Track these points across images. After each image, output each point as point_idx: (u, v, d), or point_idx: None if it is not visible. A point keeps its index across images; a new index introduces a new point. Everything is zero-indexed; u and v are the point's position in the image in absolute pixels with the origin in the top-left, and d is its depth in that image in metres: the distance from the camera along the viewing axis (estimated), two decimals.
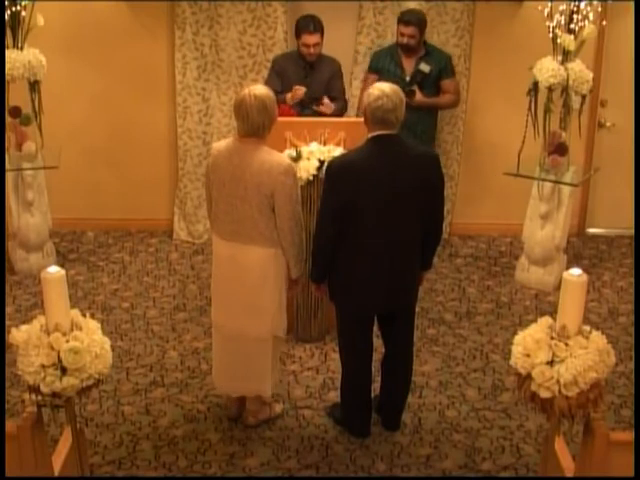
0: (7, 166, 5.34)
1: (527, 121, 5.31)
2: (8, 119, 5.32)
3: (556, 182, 5.45)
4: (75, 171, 6.17)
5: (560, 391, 2.97)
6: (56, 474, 3.16)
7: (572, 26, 5.19)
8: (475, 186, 6.39)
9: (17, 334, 3.06)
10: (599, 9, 5.30)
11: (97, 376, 3.06)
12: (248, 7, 5.91)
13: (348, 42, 6.01)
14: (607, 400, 4.33)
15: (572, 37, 5.17)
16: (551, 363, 2.98)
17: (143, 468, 3.88)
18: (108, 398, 4.36)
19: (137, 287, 5.63)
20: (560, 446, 3.33)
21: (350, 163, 3.69)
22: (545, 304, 5.45)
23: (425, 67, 5.60)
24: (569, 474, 3.19)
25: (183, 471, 3.87)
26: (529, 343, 3.03)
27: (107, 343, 3.13)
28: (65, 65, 5.96)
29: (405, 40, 5.55)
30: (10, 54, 5.14)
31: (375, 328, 4.03)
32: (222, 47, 6.01)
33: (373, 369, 4.09)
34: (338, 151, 4.52)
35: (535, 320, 3.16)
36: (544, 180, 5.46)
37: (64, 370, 2.99)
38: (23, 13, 5.14)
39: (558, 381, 2.96)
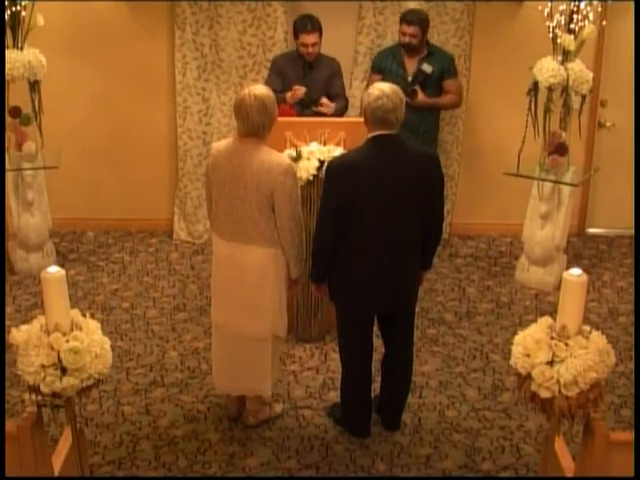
0: (7, 166, 5.34)
1: (527, 121, 5.32)
2: (8, 119, 5.32)
3: (556, 182, 5.45)
4: (75, 171, 6.17)
5: (560, 391, 2.97)
6: (56, 474, 3.16)
7: (572, 26, 5.19)
8: (475, 186, 6.39)
9: (17, 334, 3.07)
10: (599, 9, 5.30)
11: (97, 376, 3.06)
12: (248, 7, 5.91)
13: (348, 42, 6.01)
14: (607, 400, 4.33)
15: (572, 37, 5.17)
16: (551, 363, 2.98)
17: (143, 468, 3.88)
18: (108, 398, 4.36)
19: (137, 287, 5.63)
20: (560, 446, 3.33)
21: (350, 163, 3.69)
22: (545, 304, 5.45)
23: (427, 67, 5.60)
24: (569, 474, 3.19)
25: (183, 471, 3.87)
26: (529, 343, 3.03)
27: (107, 343, 3.13)
28: (65, 65, 5.96)
29: (407, 39, 5.55)
30: (10, 54, 5.14)
31: (375, 328, 4.03)
32: (222, 47, 6.01)
33: (373, 369, 4.09)
34: (338, 151, 4.52)
35: (535, 320, 3.16)
36: (544, 180, 5.46)
37: (64, 370, 2.99)
38: (23, 13, 5.14)
39: (558, 381, 2.96)
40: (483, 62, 6.10)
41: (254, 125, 3.66)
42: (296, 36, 5.53)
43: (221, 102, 6.15)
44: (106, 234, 6.40)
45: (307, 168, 4.57)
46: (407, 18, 5.55)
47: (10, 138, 5.39)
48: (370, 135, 3.69)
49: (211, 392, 4.40)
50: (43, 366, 2.97)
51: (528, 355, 3.02)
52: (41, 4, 5.29)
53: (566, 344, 2.98)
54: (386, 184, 3.63)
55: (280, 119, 3.97)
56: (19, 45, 5.20)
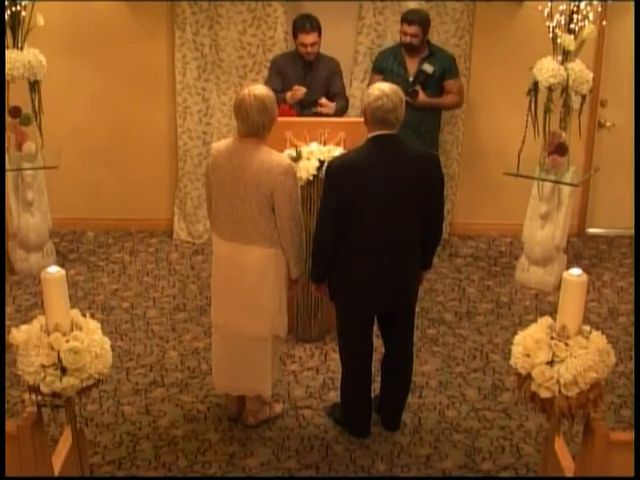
0: (7, 166, 5.34)
1: (527, 121, 5.31)
2: (8, 119, 5.32)
3: (556, 182, 5.45)
4: (75, 171, 6.17)
5: (560, 391, 2.97)
6: (56, 474, 3.16)
7: (572, 26, 5.19)
8: (475, 186, 6.39)
9: (17, 334, 3.07)
10: (599, 9, 5.30)
11: (97, 376, 3.06)
12: (248, 7, 5.91)
13: (348, 42, 6.01)
14: (607, 400, 4.33)
15: (572, 37, 5.17)
16: (551, 363, 2.98)
17: (143, 468, 3.88)
18: (108, 398, 4.36)
19: (137, 287, 5.63)
20: (560, 446, 3.33)
21: (350, 163, 3.69)
22: (545, 304, 5.45)
23: (428, 67, 5.59)
24: (569, 474, 3.19)
25: (183, 471, 3.87)
26: (529, 343, 3.03)
27: (107, 343, 3.13)
28: (65, 65, 5.96)
29: (408, 39, 5.54)
30: (10, 54, 5.14)
31: (375, 328, 4.03)
32: (222, 47, 6.01)
33: (373, 369, 4.09)
34: (338, 151, 4.52)
35: (535, 320, 3.16)
36: (544, 180, 5.46)
37: (64, 370, 2.99)
38: (23, 13, 5.14)
39: (558, 381, 2.96)
40: (483, 62, 6.10)
41: (254, 125, 3.66)
42: (295, 36, 5.53)
43: (221, 102, 6.15)
44: (106, 234, 6.40)
45: (307, 168, 4.57)
46: (408, 18, 5.54)
47: (10, 138, 5.39)
48: (370, 135, 3.68)
49: (211, 392, 4.40)
50: (43, 366, 2.97)
51: (528, 355, 3.02)
52: (41, 4, 5.29)
53: (566, 344, 2.98)
54: (386, 184, 3.63)
55: (280, 119, 3.97)
56: (19, 45, 5.20)
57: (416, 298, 4.05)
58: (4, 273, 5.52)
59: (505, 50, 6.02)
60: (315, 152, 4.59)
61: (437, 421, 4.23)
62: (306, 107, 5.48)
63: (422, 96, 5.58)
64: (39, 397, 3.03)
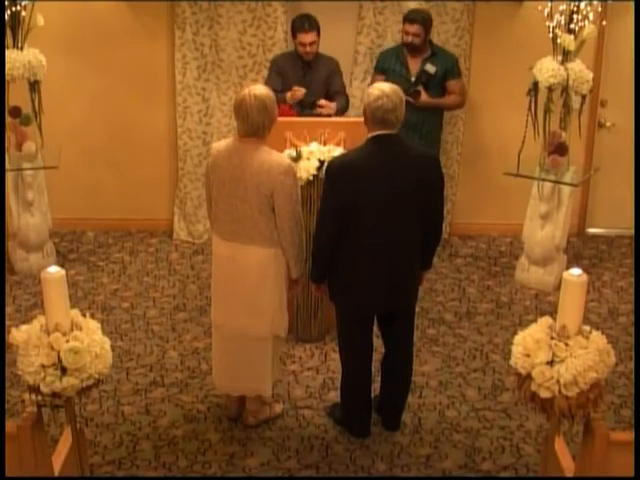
0: (7, 166, 5.34)
1: (527, 121, 5.31)
2: (8, 119, 5.32)
3: (556, 182, 5.45)
4: (75, 171, 6.17)
5: (560, 391, 2.97)
6: (56, 474, 3.16)
7: (572, 26, 5.19)
8: (475, 186, 6.39)
9: (17, 334, 3.06)
10: (599, 9, 5.30)
11: (97, 376, 3.06)
12: (248, 7, 5.91)
13: (348, 42, 6.01)
14: (607, 400, 4.33)
15: (572, 37, 5.17)
16: (551, 363, 2.98)
17: (143, 468, 3.88)
18: (108, 398, 4.36)
19: (137, 287, 5.63)
20: (560, 446, 3.33)
21: (350, 163, 3.69)
22: (545, 304, 5.45)
23: (430, 68, 5.59)
24: (569, 474, 3.19)
25: (183, 471, 3.87)
26: (529, 343, 3.03)
27: (107, 343, 3.13)
28: (65, 65, 5.96)
29: (410, 39, 5.54)
30: (10, 54, 5.14)
31: (375, 328, 4.03)
32: (222, 47, 6.01)
33: (373, 369, 4.09)
34: (338, 151, 4.52)
35: (535, 320, 3.16)
36: (544, 180, 5.46)
37: (64, 370, 2.99)
38: (23, 13, 5.14)
39: (558, 381, 2.96)
40: (483, 62, 6.11)
41: (254, 125, 3.66)
42: (294, 35, 5.52)
43: (221, 102, 6.15)
44: (106, 234, 6.40)
45: (307, 168, 4.57)
46: (410, 17, 5.54)
47: (10, 138, 5.39)
48: (370, 135, 3.68)
49: (211, 392, 4.40)
50: (43, 366, 2.97)
51: (528, 355, 3.02)
52: (41, 4, 5.29)
53: (566, 344, 2.98)
54: (386, 184, 3.63)
55: (280, 119, 3.97)
56: (19, 45, 5.20)
57: (416, 298, 4.05)
58: (4, 273, 5.52)
59: (505, 50, 6.02)
60: (315, 152, 4.59)
61: (437, 421, 4.23)
62: (306, 108, 5.48)
63: (424, 96, 5.58)
64: (39, 397, 3.03)
